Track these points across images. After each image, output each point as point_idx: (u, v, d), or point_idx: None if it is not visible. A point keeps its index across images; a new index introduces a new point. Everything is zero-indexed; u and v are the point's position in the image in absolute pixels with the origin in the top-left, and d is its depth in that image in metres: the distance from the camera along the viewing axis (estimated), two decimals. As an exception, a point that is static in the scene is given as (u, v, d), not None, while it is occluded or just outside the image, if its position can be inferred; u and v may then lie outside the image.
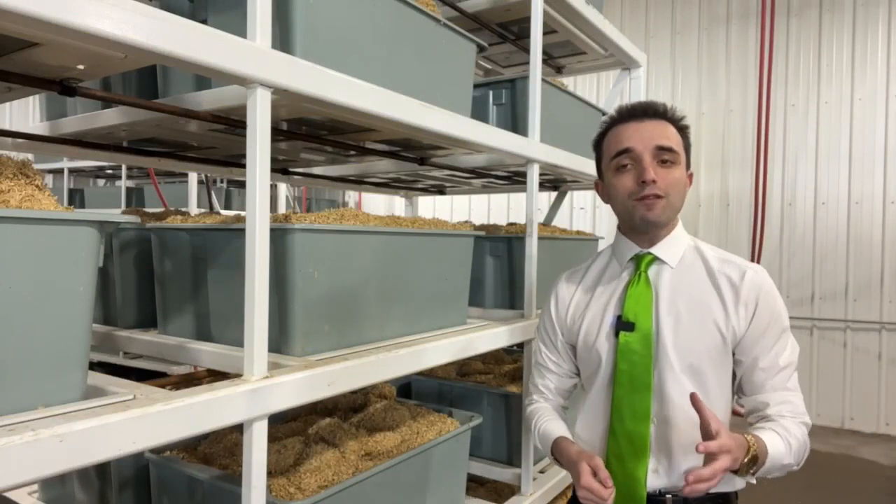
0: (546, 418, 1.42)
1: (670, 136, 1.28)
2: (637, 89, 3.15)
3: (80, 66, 1.17)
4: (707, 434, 1.09)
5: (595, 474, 1.16)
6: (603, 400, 1.34)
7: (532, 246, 2.08)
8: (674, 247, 1.33)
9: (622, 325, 1.30)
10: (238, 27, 1.12)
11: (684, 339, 1.26)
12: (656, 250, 1.32)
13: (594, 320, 1.37)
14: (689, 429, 1.23)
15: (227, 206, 5.84)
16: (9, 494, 1.76)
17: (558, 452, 1.33)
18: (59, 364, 0.97)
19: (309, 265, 1.37)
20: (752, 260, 4.84)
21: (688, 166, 1.33)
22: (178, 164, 2.19)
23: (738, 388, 1.32)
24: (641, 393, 1.27)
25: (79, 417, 0.89)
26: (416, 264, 1.70)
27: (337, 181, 2.87)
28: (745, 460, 1.12)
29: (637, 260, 1.34)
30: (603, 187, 1.38)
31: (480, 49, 1.90)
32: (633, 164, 1.27)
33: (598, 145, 1.39)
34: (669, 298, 1.29)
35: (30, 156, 2.44)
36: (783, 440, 1.19)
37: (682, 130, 1.32)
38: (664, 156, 1.26)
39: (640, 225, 1.29)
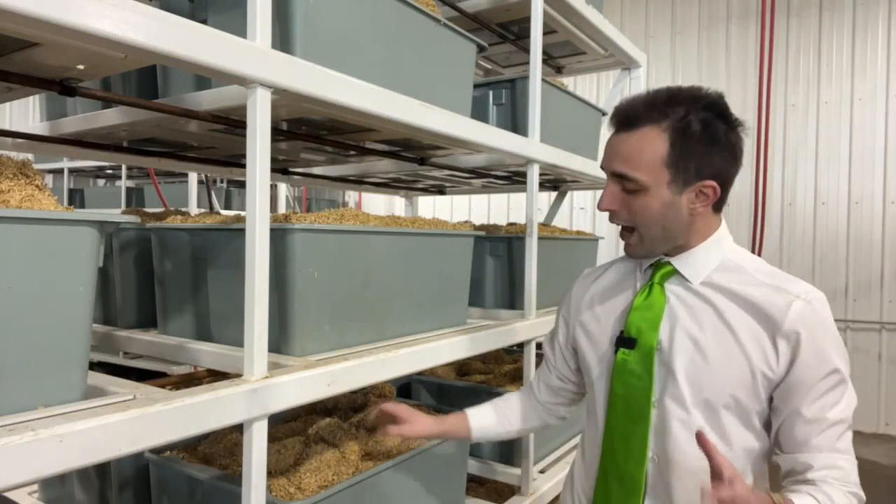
0: (493, 401, 1.39)
1: (631, 157, 1.04)
2: (637, 89, 3.14)
3: (80, 66, 1.17)
4: (717, 482, 0.90)
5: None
6: (599, 433, 1.16)
7: (532, 246, 2.08)
8: (698, 261, 1.11)
9: (622, 341, 1.13)
10: (238, 27, 1.12)
11: (702, 368, 1.05)
12: (676, 262, 1.12)
13: (598, 332, 1.20)
14: (697, 476, 1.00)
15: (227, 206, 5.84)
16: (9, 494, 1.76)
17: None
18: (59, 364, 0.97)
19: (309, 265, 1.37)
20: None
21: (699, 176, 1.05)
22: (178, 164, 2.19)
23: (775, 443, 1.07)
24: (637, 424, 1.08)
25: (79, 417, 0.89)
26: (417, 264, 1.70)
27: (337, 181, 2.87)
28: None
29: (654, 269, 1.15)
30: None
31: (480, 49, 1.90)
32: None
33: None
34: (691, 317, 1.08)
35: (30, 156, 2.44)
36: None
37: (682, 132, 1.03)
38: (624, 183, 1.06)
39: None
